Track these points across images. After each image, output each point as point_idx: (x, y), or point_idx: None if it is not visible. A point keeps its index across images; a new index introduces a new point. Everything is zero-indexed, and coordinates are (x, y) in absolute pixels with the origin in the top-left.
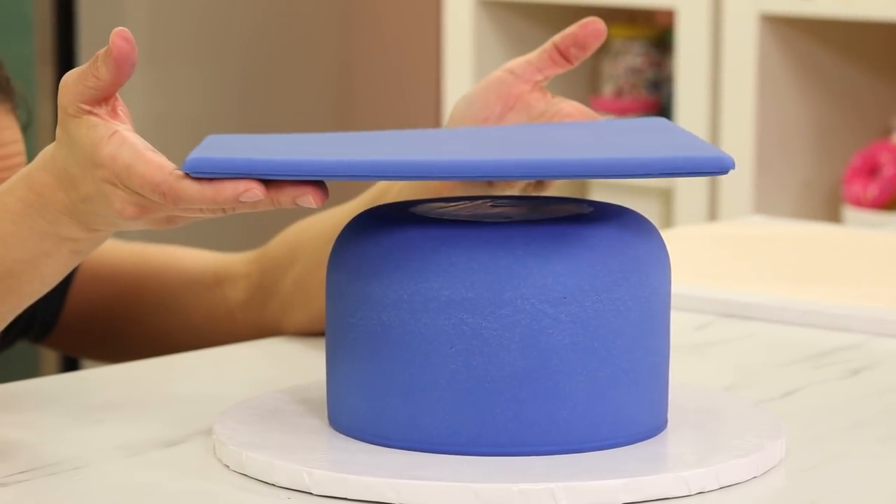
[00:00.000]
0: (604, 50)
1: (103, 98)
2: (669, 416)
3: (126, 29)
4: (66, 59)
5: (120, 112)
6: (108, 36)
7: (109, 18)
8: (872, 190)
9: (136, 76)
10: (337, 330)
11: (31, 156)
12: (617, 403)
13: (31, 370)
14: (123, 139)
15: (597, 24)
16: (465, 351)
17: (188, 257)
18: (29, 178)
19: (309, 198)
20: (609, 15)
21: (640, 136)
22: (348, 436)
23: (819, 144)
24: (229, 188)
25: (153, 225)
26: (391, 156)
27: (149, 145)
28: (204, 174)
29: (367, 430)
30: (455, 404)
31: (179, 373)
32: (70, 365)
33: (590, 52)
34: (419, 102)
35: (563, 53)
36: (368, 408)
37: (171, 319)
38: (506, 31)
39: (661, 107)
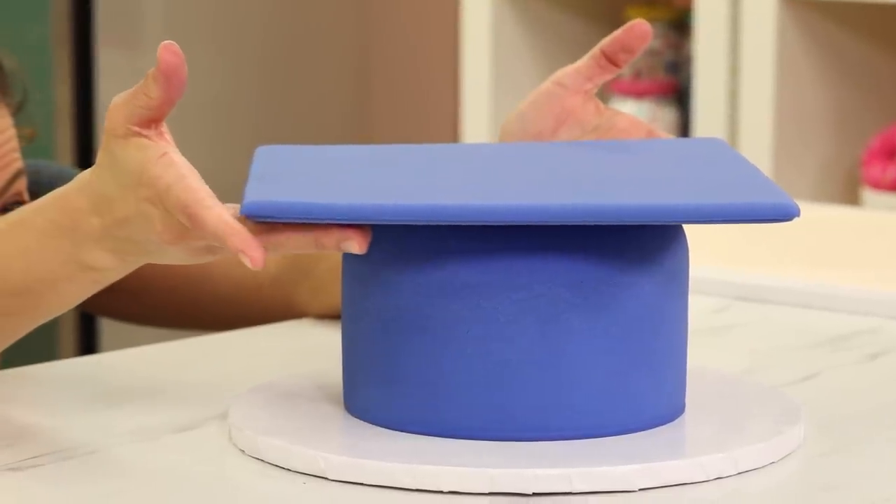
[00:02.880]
0: None
1: (154, 119)
2: (687, 400)
3: (174, 43)
4: (82, 43)
5: (167, 136)
6: (125, 21)
7: (126, 3)
8: (891, 172)
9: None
10: (353, 314)
11: (46, 144)
12: (634, 388)
13: (47, 354)
14: (172, 161)
15: (643, 27)
16: (481, 336)
17: None
18: (63, 200)
19: (353, 243)
20: None
21: (700, 169)
22: (364, 421)
23: (838, 127)
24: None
25: (190, 254)
26: (449, 193)
27: (196, 172)
28: (263, 219)
29: (382, 415)
30: (471, 389)
31: (195, 357)
32: (86, 349)
33: (637, 55)
34: (437, 87)
35: (610, 59)
36: (384, 393)
37: (198, 289)
38: (525, 18)
39: (680, 89)
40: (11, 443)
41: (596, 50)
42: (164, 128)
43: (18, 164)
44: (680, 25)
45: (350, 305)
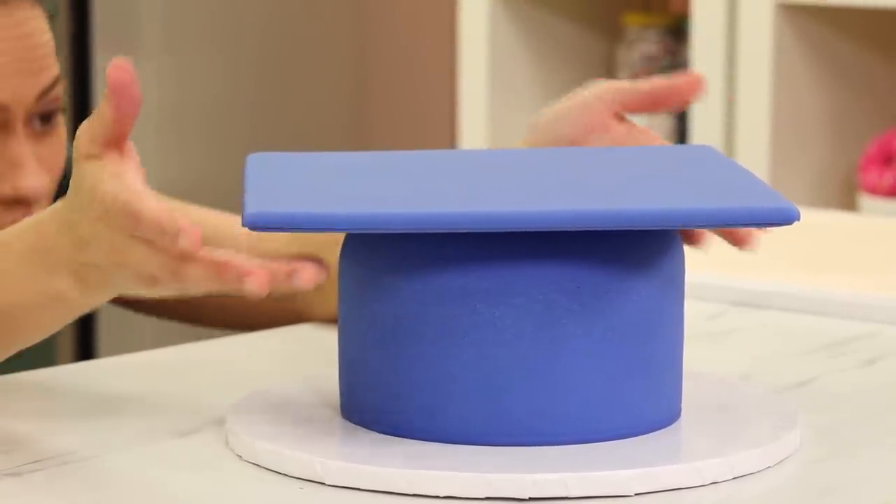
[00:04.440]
0: (619, 37)
1: (114, 137)
2: (683, 406)
3: (124, 59)
4: (80, 47)
5: (130, 156)
6: (123, 25)
7: (124, 8)
8: (888, 177)
9: (151, 65)
10: (349, 320)
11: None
12: (630, 393)
13: (45, 359)
14: (123, 177)
15: (700, 82)
16: (478, 341)
17: (237, 226)
18: (39, 224)
19: (304, 275)
20: (624, 2)
21: (695, 175)
22: (361, 426)
23: (834, 132)
24: (173, 223)
25: (139, 281)
26: (446, 201)
27: (152, 193)
28: (264, 230)
29: (379, 420)
30: (468, 394)
31: (192, 363)
32: (84, 354)
33: (684, 107)
34: (434, 91)
35: (658, 101)
36: (381, 398)
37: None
38: (521, 22)
39: None
40: (9, 448)
41: (646, 86)
42: (130, 147)
43: (56, 69)
44: (676, 31)
45: (347, 311)
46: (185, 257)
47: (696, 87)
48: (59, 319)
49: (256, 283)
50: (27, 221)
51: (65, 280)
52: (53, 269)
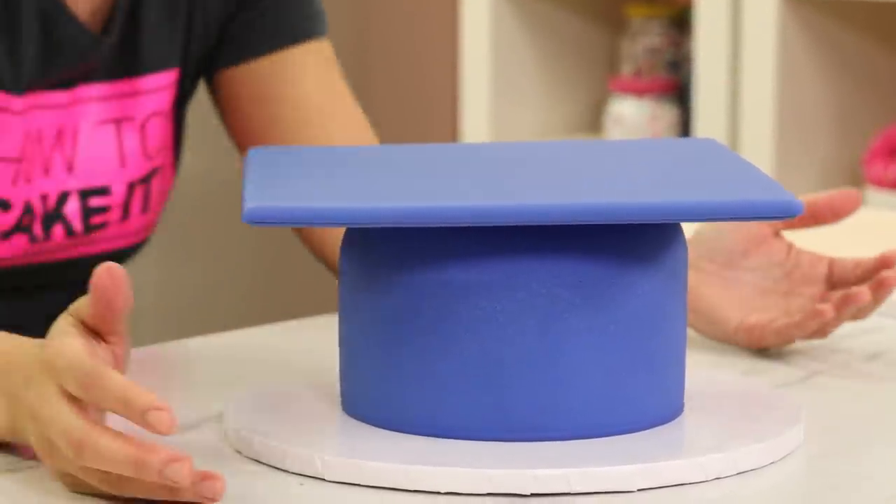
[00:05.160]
0: (622, 30)
1: (93, 329)
2: (686, 400)
3: (113, 265)
4: None
5: (116, 345)
6: None
7: None
8: (893, 170)
9: None
10: (350, 315)
11: None
12: (633, 388)
13: None
14: (77, 342)
15: (857, 199)
16: (479, 335)
17: None
18: (9, 350)
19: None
20: None
21: (699, 168)
22: (361, 421)
23: (839, 125)
24: (147, 399)
25: (34, 438)
26: (448, 195)
27: (105, 362)
28: (265, 224)
29: (379, 415)
30: (469, 389)
31: (191, 358)
32: None
33: (840, 220)
34: (436, 85)
35: (817, 217)
36: (381, 393)
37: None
38: (524, 16)
39: (681, 87)
40: (9, 444)
41: (806, 202)
42: (119, 339)
43: None
44: (680, 23)
45: (348, 306)
46: (106, 431)
47: (855, 202)
48: None
49: (182, 479)
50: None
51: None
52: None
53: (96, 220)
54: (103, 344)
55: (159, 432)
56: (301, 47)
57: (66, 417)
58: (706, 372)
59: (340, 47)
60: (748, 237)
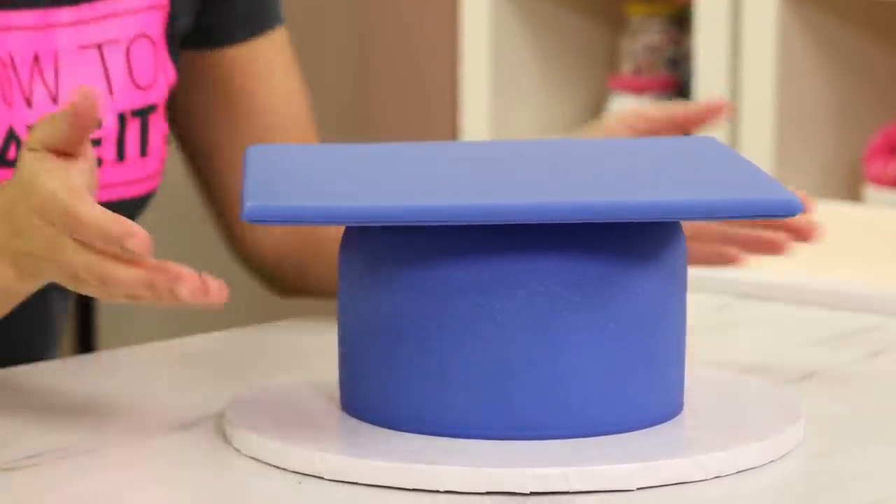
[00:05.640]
0: (622, 28)
1: (60, 149)
2: (686, 399)
3: (90, 88)
4: None
5: (83, 159)
6: None
7: None
8: (894, 168)
9: None
10: (349, 313)
11: None
12: (632, 387)
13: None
14: (64, 176)
15: (722, 108)
16: (478, 334)
17: None
18: None
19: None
20: None
21: (698, 166)
22: (361, 420)
23: (839, 122)
24: (119, 226)
25: (64, 279)
26: (446, 193)
27: (90, 190)
28: (264, 224)
29: (379, 414)
30: (469, 388)
31: (191, 356)
32: (83, 348)
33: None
34: (436, 84)
35: (678, 125)
36: (381, 392)
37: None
38: (524, 14)
39: (680, 85)
40: (7, 442)
41: (670, 114)
42: (86, 149)
43: None
44: (680, 21)
45: (347, 304)
46: (117, 260)
47: (718, 111)
48: (6, 307)
49: (188, 290)
50: None
51: (4, 268)
52: None
53: None
54: (75, 160)
55: (140, 253)
56: (270, 37)
57: (77, 257)
58: (706, 370)
59: (340, 47)
60: None
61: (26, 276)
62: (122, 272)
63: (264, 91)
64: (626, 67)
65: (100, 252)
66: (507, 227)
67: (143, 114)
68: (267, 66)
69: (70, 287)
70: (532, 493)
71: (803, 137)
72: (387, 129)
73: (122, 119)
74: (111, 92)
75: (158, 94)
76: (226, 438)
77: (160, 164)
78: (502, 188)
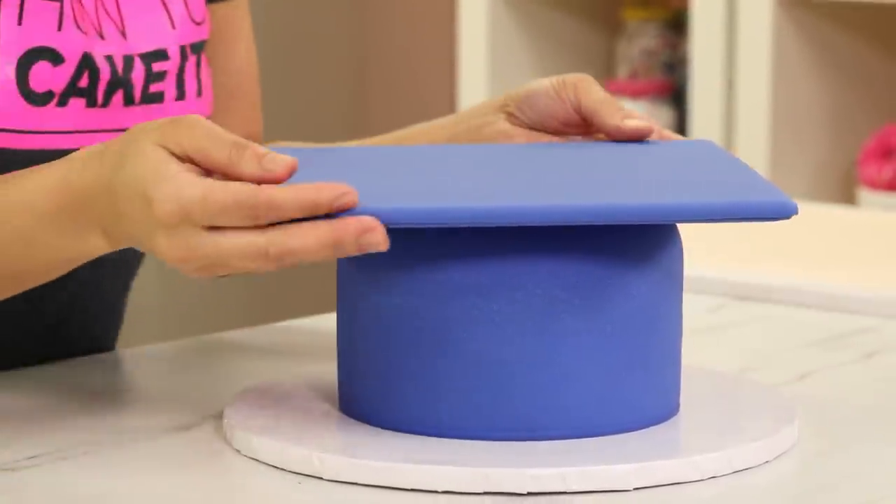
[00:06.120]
0: (618, 32)
1: (207, 173)
2: (682, 400)
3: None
4: None
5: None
6: None
7: None
8: (887, 172)
9: None
10: (348, 314)
11: None
12: (629, 388)
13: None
14: (192, 181)
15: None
16: (476, 335)
17: None
18: (66, 183)
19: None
20: None
21: (694, 169)
22: (359, 421)
23: (834, 126)
24: (327, 192)
25: (193, 271)
26: (444, 196)
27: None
28: None
29: (378, 414)
30: (466, 389)
31: (190, 357)
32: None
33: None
34: (434, 86)
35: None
36: (379, 393)
37: None
38: (521, 17)
39: (676, 89)
40: (8, 443)
41: (580, 107)
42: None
43: None
44: (676, 25)
45: (346, 306)
46: (297, 226)
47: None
48: (70, 269)
49: (378, 238)
50: (51, 177)
51: (96, 239)
52: (85, 229)
53: (154, 87)
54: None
55: (351, 206)
56: (242, 1)
57: (250, 243)
58: (702, 371)
59: (340, 48)
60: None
61: (122, 243)
62: (301, 240)
63: (233, 55)
64: (623, 72)
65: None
66: (506, 230)
67: (198, 50)
68: (237, 29)
69: (190, 276)
70: (529, 494)
71: (798, 141)
72: (384, 130)
73: (183, 52)
74: (174, 27)
75: (207, 31)
76: (225, 439)
77: (210, 108)
78: (500, 191)
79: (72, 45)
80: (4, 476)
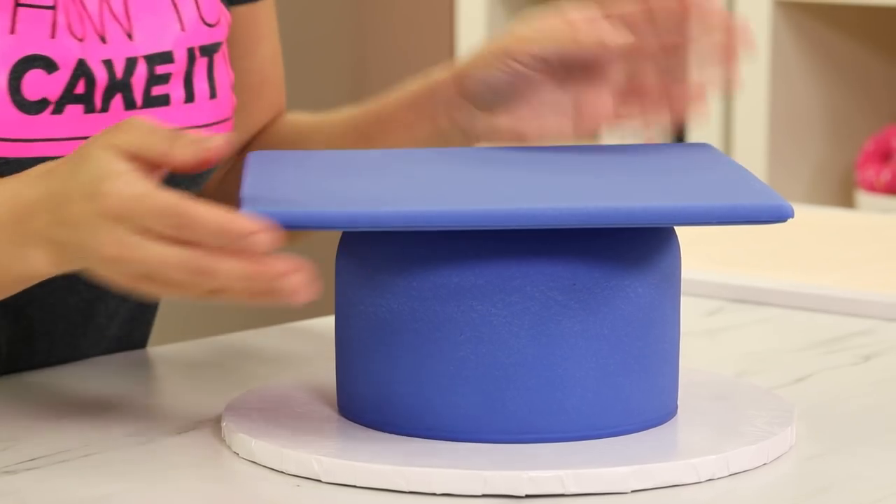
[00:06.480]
0: None
1: (153, 168)
2: (679, 402)
3: (228, 139)
4: None
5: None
6: None
7: None
8: (885, 174)
9: None
10: (346, 317)
11: None
12: (626, 390)
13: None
14: (138, 179)
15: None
16: (474, 338)
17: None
18: (14, 195)
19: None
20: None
21: (692, 172)
22: (357, 423)
23: (832, 129)
24: (244, 223)
25: (126, 277)
26: (441, 198)
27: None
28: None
29: (376, 417)
30: (464, 392)
31: (188, 361)
32: None
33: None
34: None
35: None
36: (377, 395)
37: None
38: (518, 17)
39: None
40: (7, 445)
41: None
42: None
43: None
44: None
45: (343, 308)
46: (219, 253)
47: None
48: (11, 291)
49: (294, 289)
50: (5, 192)
51: (38, 255)
52: (26, 244)
53: (158, 90)
54: (152, 174)
55: (262, 252)
56: (269, 1)
57: (174, 254)
58: (699, 373)
59: (339, 48)
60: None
61: (65, 265)
62: (225, 264)
63: (257, 53)
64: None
65: (194, 245)
66: (503, 233)
67: (210, 52)
68: (264, 28)
69: (125, 284)
70: (527, 496)
71: (796, 144)
72: None
73: (191, 54)
74: (183, 29)
75: (222, 33)
76: (224, 442)
77: (231, 111)
78: (497, 194)
79: (66, 53)
80: (4, 479)
